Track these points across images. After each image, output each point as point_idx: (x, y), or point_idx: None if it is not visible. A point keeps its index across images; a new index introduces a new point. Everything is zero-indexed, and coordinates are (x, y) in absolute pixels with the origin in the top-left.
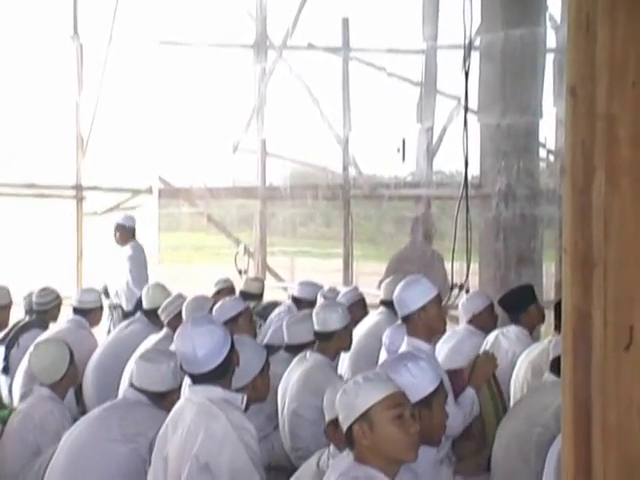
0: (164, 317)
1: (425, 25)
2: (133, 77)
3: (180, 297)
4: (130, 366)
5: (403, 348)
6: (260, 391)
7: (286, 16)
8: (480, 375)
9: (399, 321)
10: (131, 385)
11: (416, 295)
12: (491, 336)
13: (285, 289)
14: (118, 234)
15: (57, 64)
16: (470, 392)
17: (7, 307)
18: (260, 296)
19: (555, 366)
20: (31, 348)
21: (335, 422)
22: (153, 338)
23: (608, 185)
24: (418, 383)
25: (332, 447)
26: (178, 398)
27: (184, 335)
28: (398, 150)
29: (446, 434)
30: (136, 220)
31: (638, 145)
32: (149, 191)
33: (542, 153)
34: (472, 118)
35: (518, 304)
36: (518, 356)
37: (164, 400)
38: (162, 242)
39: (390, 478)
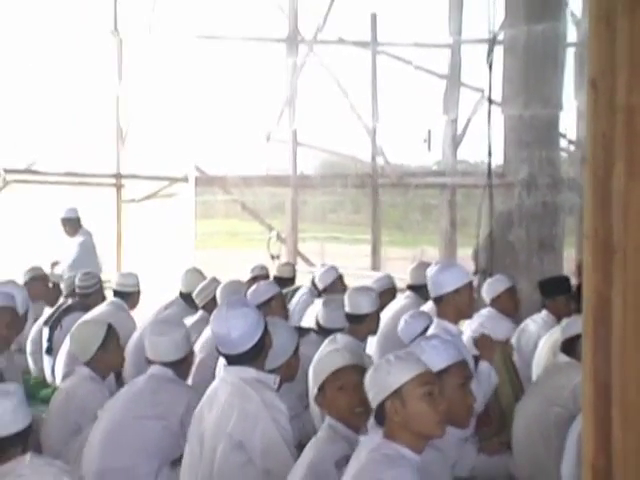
0: (199, 300)
1: (451, 20)
2: (171, 70)
3: (215, 281)
4: None
5: (432, 329)
6: (292, 372)
7: (317, 11)
8: (484, 354)
9: (424, 306)
10: (151, 362)
11: (451, 278)
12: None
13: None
14: (67, 227)
15: (98, 58)
16: (484, 365)
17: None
18: (292, 280)
19: (566, 347)
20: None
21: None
22: (189, 320)
23: (627, 175)
24: (427, 359)
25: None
26: (193, 361)
27: (219, 317)
28: (424, 140)
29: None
30: (78, 210)
31: None
32: (185, 179)
33: (563, 143)
34: (496, 110)
35: (549, 291)
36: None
37: (183, 365)
38: (198, 229)
39: (417, 454)
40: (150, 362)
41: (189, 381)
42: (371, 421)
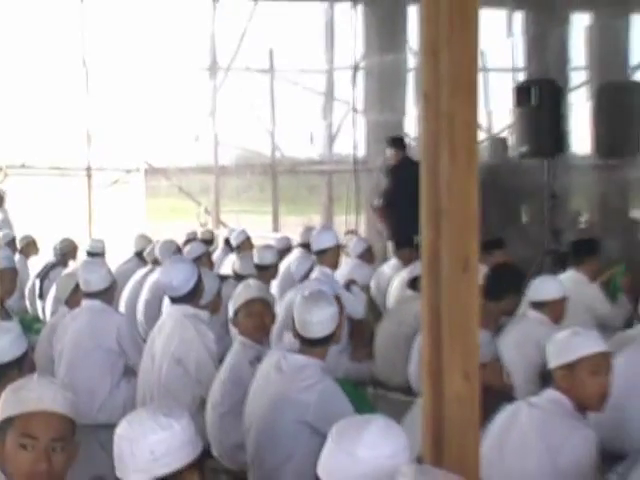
0: (148, 258)
1: (326, 51)
2: (127, 87)
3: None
4: (126, 291)
5: (314, 273)
6: (216, 307)
7: (230, 47)
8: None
9: (312, 256)
10: (88, 295)
11: (327, 238)
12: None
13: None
14: None
15: (69, 78)
16: (356, 289)
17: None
18: (212, 242)
19: (412, 284)
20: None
21: None
22: (142, 272)
23: (450, 162)
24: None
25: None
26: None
27: (165, 270)
28: (310, 139)
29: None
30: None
31: (468, 131)
32: (138, 170)
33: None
34: (359, 117)
35: (401, 244)
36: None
37: (107, 294)
38: (147, 206)
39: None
40: (85, 295)
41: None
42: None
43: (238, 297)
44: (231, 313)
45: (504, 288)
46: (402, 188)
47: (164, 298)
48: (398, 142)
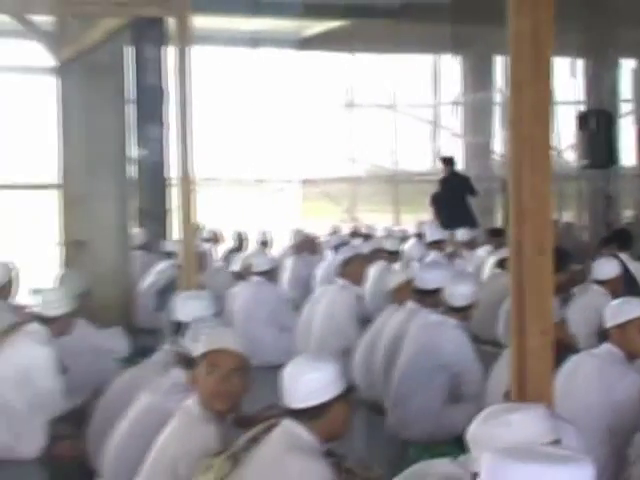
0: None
1: (434, 90)
2: (287, 120)
3: None
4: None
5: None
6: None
7: (363, 88)
8: None
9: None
10: (257, 273)
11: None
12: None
13: None
14: None
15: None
16: None
17: None
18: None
19: (500, 264)
20: None
21: None
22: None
23: (530, 172)
24: None
25: None
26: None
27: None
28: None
29: None
30: None
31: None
32: (296, 181)
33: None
34: (459, 140)
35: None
36: None
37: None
38: (302, 208)
39: None
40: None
41: None
42: None
43: None
44: None
45: (561, 266)
46: (450, 193)
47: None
48: (448, 160)
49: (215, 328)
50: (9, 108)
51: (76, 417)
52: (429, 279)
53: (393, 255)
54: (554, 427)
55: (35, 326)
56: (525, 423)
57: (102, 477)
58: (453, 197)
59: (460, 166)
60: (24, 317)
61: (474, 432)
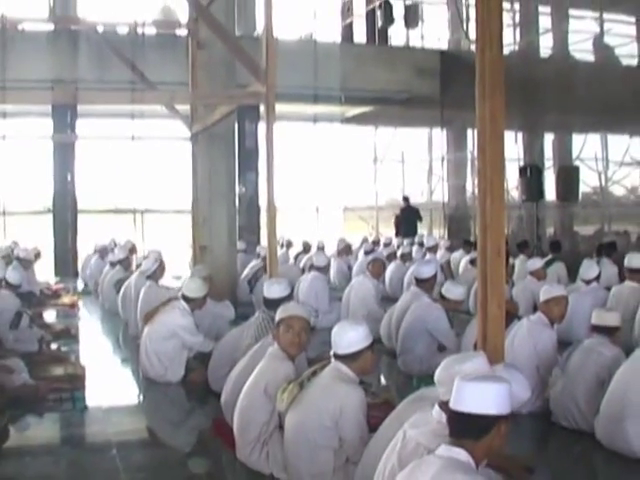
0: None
1: (428, 150)
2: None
3: None
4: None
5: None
6: (377, 272)
7: (384, 149)
8: None
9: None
10: (316, 269)
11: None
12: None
13: None
14: None
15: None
16: None
17: None
18: (377, 242)
19: (471, 262)
20: None
21: None
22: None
23: (490, 203)
24: None
25: None
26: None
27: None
28: (427, 192)
29: None
30: None
31: (499, 189)
32: (337, 208)
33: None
34: (445, 182)
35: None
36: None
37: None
38: (344, 225)
39: None
40: (315, 269)
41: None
42: None
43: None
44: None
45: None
46: (406, 217)
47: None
48: (406, 198)
49: (290, 302)
50: (161, 162)
51: (203, 356)
52: (424, 271)
53: (404, 256)
54: (488, 368)
55: (181, 302)
56: (472, 367)
57: (222, 395)
58: (408, 220)
59: (445, 199)
60: (172, 295)
61: (440, 374)
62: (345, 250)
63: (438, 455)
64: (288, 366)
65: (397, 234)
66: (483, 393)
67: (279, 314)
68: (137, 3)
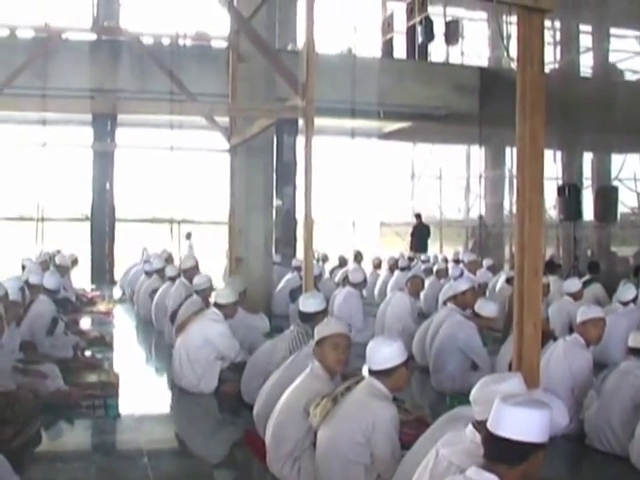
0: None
1: (466, 167)
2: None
3: None
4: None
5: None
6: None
7: (422, 165)
8: None
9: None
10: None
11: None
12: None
13: None
14: None
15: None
16: None
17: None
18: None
19: (507, 280)
20: None
21: None
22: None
23: (529, 222)
24: None
25: None
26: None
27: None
28: (461, 209)
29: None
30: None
31: (538, 209)
32: (374, 223)
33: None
34: (482, 200)
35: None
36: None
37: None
38: (380, 241)
39: None
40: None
41: None
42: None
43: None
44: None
45: None
46: (418, 233)
47: None
48: (418, 215)
49: (331, 319)
50: (199, 173)
51: (236, 368)
52: (458, 286)
53: (439, 272)
54: (524, 390)
55: (214, 310)
56: (509, 388)
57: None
58: (419, 236)
59: (483, 216)
60: (206, 303)
61: (476, 393)
62: (379, 266)
63: (468, 477)
64: (329, 387)
65: (411, 249)
66: (525, 419)
67: (321, 331)
68: (179, 15)
